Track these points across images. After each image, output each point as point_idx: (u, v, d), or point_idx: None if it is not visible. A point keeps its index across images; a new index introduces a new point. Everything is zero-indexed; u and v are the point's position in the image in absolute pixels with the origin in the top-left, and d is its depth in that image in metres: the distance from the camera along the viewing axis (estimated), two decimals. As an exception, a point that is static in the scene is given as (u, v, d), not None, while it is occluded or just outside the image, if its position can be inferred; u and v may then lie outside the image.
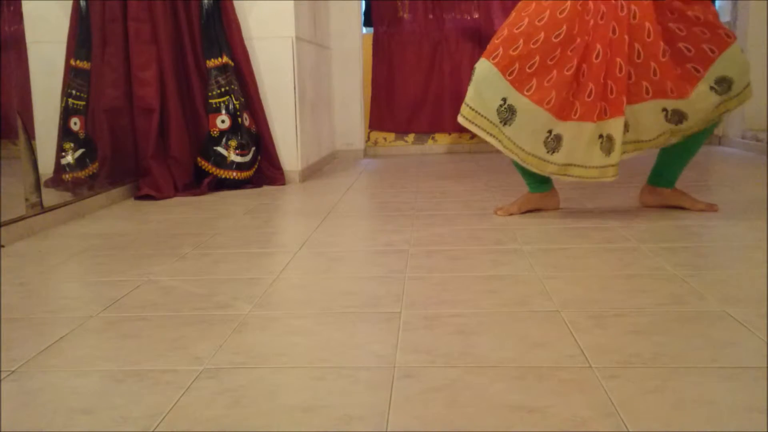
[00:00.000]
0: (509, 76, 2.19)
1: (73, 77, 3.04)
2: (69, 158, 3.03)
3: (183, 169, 3.12)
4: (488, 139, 2.26)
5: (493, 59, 2.22)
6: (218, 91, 3.14)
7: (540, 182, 2.41)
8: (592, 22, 2.14)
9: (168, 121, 3.09)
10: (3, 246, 2.09)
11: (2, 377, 1.13)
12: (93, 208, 2.70)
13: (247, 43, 3.26)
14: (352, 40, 4.50)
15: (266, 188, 3.23)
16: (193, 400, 1.03)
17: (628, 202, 2.53)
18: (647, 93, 2.14)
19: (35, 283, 1.71)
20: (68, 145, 3.03)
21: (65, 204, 2.52)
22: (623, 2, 2.12)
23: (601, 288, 1.53)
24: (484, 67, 2.24)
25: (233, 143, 3.15)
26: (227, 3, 3.19)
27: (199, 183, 3.14)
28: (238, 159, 3.17)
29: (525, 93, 2.18)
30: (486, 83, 2.22)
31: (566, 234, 2.08)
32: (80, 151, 3.04)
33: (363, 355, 1.19)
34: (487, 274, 1.66)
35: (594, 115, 2.13)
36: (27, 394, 1.07)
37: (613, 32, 2.12)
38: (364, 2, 4.65)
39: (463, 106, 2.28)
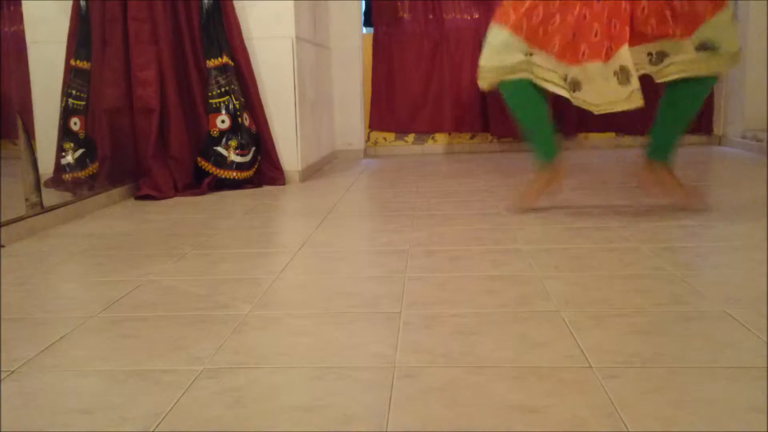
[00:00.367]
0: (528, 40, 2.23)
1: (73, 77, 3.04)
2: (69, 158, 3.03)
3: (183, 169, 3.12)
4: (511, 76, 2.28)
5: (507, 24, 2.25)
6: (218, 91, 3.14)
7: (551, 146, 2.39)
8: None
9: (168, 121, 3.09)
10: (3, 246, 2.09)
11: (2, 377, 1.13)
12: (93, 208, 2.70)
13: (247, 43, 3.26)
14: (352, 40, 4.50)
15: (266, 188, 3.23)
16: (193, 400, 1.03)
17: (628, 202, 2.53)
18: (664, 31, 2.13)
19: (35, 283, 1.71)
20: (68, 145, 3.03)
21: (65, 204, 2.52)
22: None
23: (601, 288, 1.53)
24: (496, 31, 2.28)
25: (233, 143, 3.15)
26: (227, 3, 3.19)
27: (199, 183, 3.14)
28: (238, 159, 3.17)
29: (550, 51, 2.22)
30: (499, 43, 2.27)
31: (566, 234, 2.08)
32: (80, 151, 3.04)
33: (363, 355, 1.19)
34: (487, 274, 1.66)
35: (602, 54, 2.12)
36: (27, 394, 1.07)
37: None
38: (364, 2, 4.65)
39: (480, 69, 2.33)
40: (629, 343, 1.19)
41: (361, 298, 1.51)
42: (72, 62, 3.04)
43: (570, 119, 4.41)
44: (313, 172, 3.69)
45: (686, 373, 1.07)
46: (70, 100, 3.03)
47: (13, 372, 1.15)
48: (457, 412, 0.97)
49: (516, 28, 2.23)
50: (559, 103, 2.69)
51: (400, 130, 4.78)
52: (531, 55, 2.24)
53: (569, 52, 2.17)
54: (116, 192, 2.93)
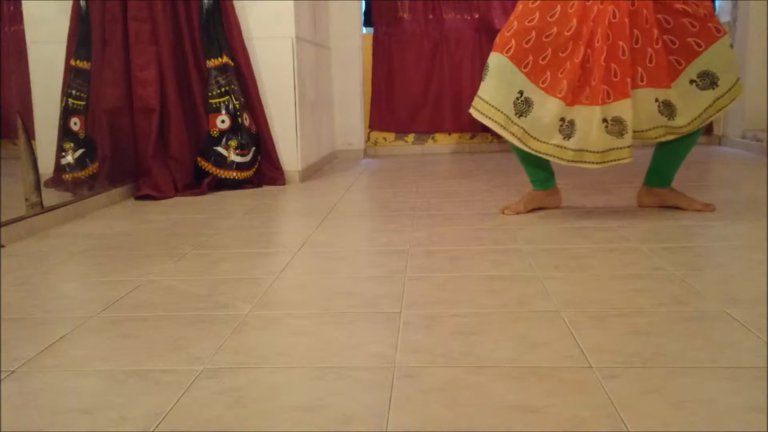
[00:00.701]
0: (524, 68, 2.21)
1: (73, 77, 3.04)
2: (69, 158, 3.03)
3: (183, 169, 3.12)
4: (502, 132, 2.26)
5: (506, 52, 2.23)
6: (218, 91, 3.14)
7: (543, 180, 2.42)
8: (594, 8, 2.15)
9: (168, 121, 3.09)
10: (3, 246, 2.09)
11: (2, 377, 1.13)
12: (93, 208, 2.70)
13: (247, 43, 3.26)
14: (352, 40, 4.50)
15: (266, 188, 3.23)
16: (193, 400, 1.03)
17: (628, 202, 2.53)
18: (642, 80, 2.16)
19: (35, 283, 1.71)
20: (68, 145, 3.03)
21: (65, 204, 2.52)
22: None
23: (601, 288, 1.53)
24: (498, 60, 2.24)
25: (233, 143, 3.15)
26: (227, 3, 3.19)
27: (199, 183, 3.14)
28: (238, 159, 3.17)
29: (540, 86, 2.20)
30: (501, 76, 2.23)
31: (566, 234, 2.08)
32: (80, 151, 3.04)
33: (363, 355, 1.19)
34: (487, 274, 1.66)
35: (599, 99, 2.14)
36: (27, 394, 1.07)
37: (613, 16, 2.13)
38: (364, 2, 4.65)
39: (476, 99, 2.28)
40: (629, 343, 1.19)
41: (361, 298, 1.51)
42: (72, 62, 3.04)
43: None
44: (313, 172, 3.69)
45: (686, 373, 1.07)
46: (70, 100, 3.03)
47: (13, 372, 1.15)
48: (457, 412, 0.97)
49: (518, 60, 2.21)
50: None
51: (400, 130, 4.78)
52: (522, 93, 2.22)
53: (575, 97, 2.17)
54: (116, 192, 2.93)
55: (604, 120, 2.16)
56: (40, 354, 1.23)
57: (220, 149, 3.15)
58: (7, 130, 2.70)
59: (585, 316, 1.34)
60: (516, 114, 2.22)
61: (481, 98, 2.27)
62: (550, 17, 2.19)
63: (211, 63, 3.15)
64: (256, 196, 3.02)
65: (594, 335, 1.24)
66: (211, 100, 3.14)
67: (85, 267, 1.88)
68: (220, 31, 3.17)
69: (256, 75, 3.28)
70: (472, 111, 2.30)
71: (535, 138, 2.23)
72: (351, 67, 4.51)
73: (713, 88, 2.19)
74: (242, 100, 3.20)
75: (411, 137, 4.81)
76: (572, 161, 2.22)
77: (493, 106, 2.25)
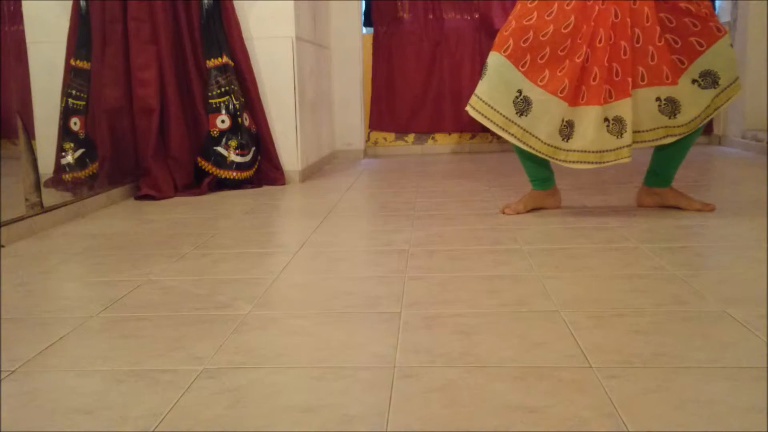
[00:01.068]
0: (522, 67, 2.21)
1: (73, 77, 3.04)
2: (69, 158, 3.03)
3: (183, 169, 3.12)
4: (500, 133, 2.26)
5: (504, 51, 2.23)
6: (218, 91, 3.14)
7: (543, 180, 2.43)
8: (596, 8, 2.16)
9: (168, 121, 3.09)
10: (3, 246, 2.09)
11: (2, 377, 1.13)
12: (93, 208, 2.70)
13: (247, 43, 3.26)
14: (352, 40, 4.50)
15: (266, 188, 3.23)
16: (193, 400, 1.03)
17: (628, 202, 2.53)
18: (642, 79, 2.16)
19: (35, 283, 1.71)
20: (68, 145, 3.03)
21: (65, 204, 2.52)
22: None
23: (601, 288, 1.53)
24: (496, 59, 2.25)
25: (233, 143, 3.15)
26: (227, 3, 3.19)
27: (199, 183, 3.14)
28: (238, 159, 3.17)
29: (539, 83, 2.20)
30: (500, 76, 2.23)
31: (566, 234, 2.08)
32: (80, 151, 3.04)
33: (363, 355, 1.19)
34: (487, 274, 1.66)
35: (600, 99, 2.14)
36: (27, 394, 1.07)
37: (615, 16, 2.14)
38: (364, 2, 4.65)
39: (474, 98, 2.28)
40: (629, 343, 1.19)
41: (361, 298, 1.51)
42: (72, 62, 3.04)
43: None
44: (313, 172, 3.69)
45: (686, 373, 1.07)
46: (70, 100, 3.03)
47: (13, 372, 1.15)
48: (457, 412, 0.97)
49: (516, 59, 2.21)
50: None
51: (400, 130, 4.78)
52: (520, 92, 2.22)
53: (572, 94, 2.17)
54: (116, 192, 2.93)
55: (606, 119, 2.16)
56: (40, 354, 1.23)
57: (220, 149, 3.15)
58: (7, 130, 2.70)
59: (585, 316, 1.34)
60: (516, 113, 2.23)
61: (479, 98, 2.27)
62: (548, 15, 2.19)
63: (211, 63, 3.15)
64: (256, 196, 3.02)
65: (594, 335, 1.24)
66: (211, 100, 3.14)
67: (85, 267, 1.88)
68: (220, 31, 3.17)
69: (256, 75, 3.28)
70: (469, 110, 2.30)
71: (536, 137, 2.24)
72: (351, 67, 4.51)
73: (714, 87, 2.19)
74: (242, 100, 3.20)
75: (411, 137, 4.81)
76: (572, 162, 2.23)
77: (491, 107, 2.25)
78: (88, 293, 1.62)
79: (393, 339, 1.25)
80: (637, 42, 2.15)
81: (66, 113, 3.03)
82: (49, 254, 2.01)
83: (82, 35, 3.05)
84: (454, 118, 4.69)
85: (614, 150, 2.18)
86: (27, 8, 2.97)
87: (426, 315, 1.38)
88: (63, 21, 3.07)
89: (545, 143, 2.23)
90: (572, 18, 2.17)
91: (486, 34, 4.54)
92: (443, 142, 4.80)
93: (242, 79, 3.23)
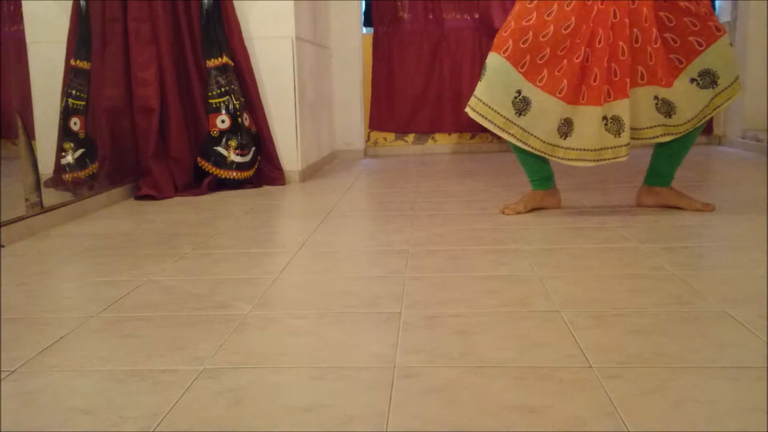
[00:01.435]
0: (521, 68, 2.21)
1: (73, 77, 3.04)
2: (69, 158, 3.03)
3: (183, 169, 3.12)
4: (500, 133, 2.27)
5: (504, 53, 2.23)
6: (218, 91, 3.14)
7: (543, 180, 2.43)
8: (594, 8, 2.16)
9: (168, 121, 3.09)
10: (3, 246, 2.09)
11: (2, 377, 1.13)
12: (93, 208, 2.70)
13: (247, 43, 3.26)
14: (352, 40, 4.50)
15: (266, 188, 3.23)
16: (193, 400, 1.03)
17: (628, 202, 2.53)
18: (642, 78, 2.17)
19: (35, 283, 1.71)
20: (68, 145, 3.03)
21: (65, 204, 2.52)
22: None
23: (601, 288, 1.53)
24: (495, 60, 2.25)
25: (233, 143, 3.15)
26: (227, 3, 3.19)
27: (199, 183, 3.14)
28: (238, 159, 3.17)
29: (537, 84, 2.21)
30: (498, 77, 2.23)
31: (566, 234, 2.08)
32: (80, 151, 3.04)
33: (363, 355, 1.19)
34: (487, 274, 1.66)
35: (601, 99, 2.14)
36: (27, 394, 1.07)
37: (614, 16, 2.14)
38: (364, 2, 4.65)
39: (473, 99, 2.28)
40: (629, 343, 1.19)
41: (361, 298, 1.51)
42: (72, 62, 3.04)
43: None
44: (313, 172, 3.69)
45: (686, 373, 1.07)
46: (70, 100, 3.03)
47: (13, 372, 1.15)
48: (457, 412, 0.97)
49: (515, 60, 2.21)
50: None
51: (400, 130, 4.78)
52: (519, 93, 2.22)
53: (571, 94, 2.18)
54: (116, 192, 2.93)
55: (604, 118, 2.17)
56: (40, 354, 1.23)
57: (220, 149, 3.15)
58: (7, 130, 2.70)
59: (585, 316, 1.34)
60: (516, 113, 2.23)
61: (478, 99, 2.27)
62: (547, 16, 2.19)
63: (211, 63, 3.15)
64: (256, 196, 3.02)
65: (594, 335, 1.24)
66: (211, 100, 3.14)
67: (85, 267, 1.88)
68: (220, 31, 3.17)
69: (256, 75, 3.28)
70: (468, 111, 2.30)
71: (535, 136, 2.24)
72: (351, 67, 4.51)
73: (713, 87, 2.19)
74: (242, 100, 3.20)
75: (411, 137, 4.81)
76: (570, 159, 2.23)
77: (491, 108, 2.25)
78: (88, 293, 1.62)
79: (393, 339, 1.25)
80: (636, 42, 2.15)
81: (66, 113, 3.03)
82: (49, 254, 2.01)
83: (82, 35, 3.05)
84: (454, 118, 4.69)
85: (612, 148, 2.19)
86: (27, 8, 2.97)
87: (426, 315, 1.38)
88: (63, 21, 3.07)
89: (544, 142, 2.24)
90: (572, 19, 2.17)
91: (486, 34, 4.54)
92: (443, 142, 4.80)
93: (242, 79, 3.23)
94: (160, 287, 1.63)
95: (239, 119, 3.16)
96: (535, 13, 2.21)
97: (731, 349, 1.16)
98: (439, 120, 4.73)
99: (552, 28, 2.19)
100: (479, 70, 4.61)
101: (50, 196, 2.60)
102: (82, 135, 3.04)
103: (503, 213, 2.40)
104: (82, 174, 3.04)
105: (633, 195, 2.58)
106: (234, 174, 3.17)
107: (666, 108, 2.18)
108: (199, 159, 3.18)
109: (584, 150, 2.21)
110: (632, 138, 2.21)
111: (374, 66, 4.68)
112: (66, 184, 3.00)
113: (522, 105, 2.22)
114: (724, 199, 2.55)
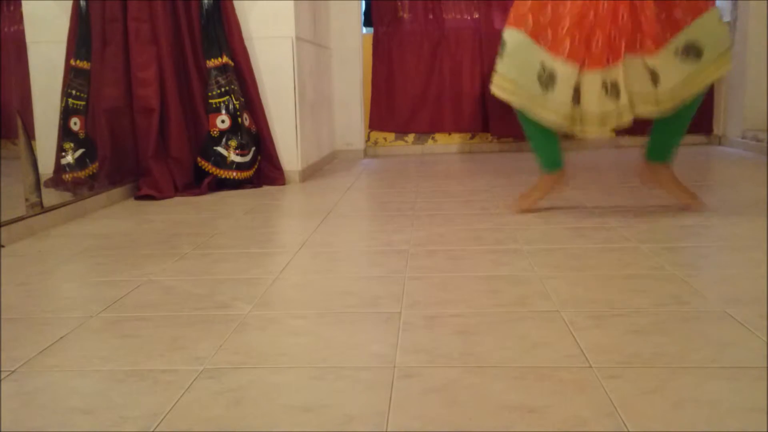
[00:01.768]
0: (544, 43, 2.20)
1: (73, 77, 3.04)
2: (69, 158, 3.03)
3: (183, 169, 3.12)
4: (531, 107, 2.24)
5: (524, 28, 2.22)
6: (218, 91, 3.14)
7: (556, 162, 2.42)
8: None
9: (168, 121, 3.09)
10: (3, 246, 2.09)
11: (2, 377, 1.13)
12: (93, 208, 2.70)
13: (247, 43, 3.26)
14: (352, 40, 4.50)
15: (266, 188, 3.23)
16: (193, 400, 1.03)
17: (628, 202, 2.53)
18: (637, 45, 2.14)
19: (35, 283, 1.71)
20: (68, 145, 3.03)
21: (65, 204, 2.52)
22: None
23: (601, 288, 1.53)
24: (516, 37, 2.23)
25: (233, 143, 3.15)
26: (227, 3, 3.19)
27: (199, 183, 3.14)
28: (238, 159, 3.17)
29: (561, 56, 2.18)
30: (520, 54, 2.22)
31: (566, 234, 2.08)
32: (80, 151, 3.04)
33: (363, 355, 1.19)
34: (487, 274, 1.66)
35: (603, 62, 2.14)
36: (27, 394, 1.07)
37: None
38: (364, 2, 4.65)
39: (498, 77, 2.27)
40: (629, 343, 1.19)
41: (361, 298, 1.51)
42: (72, 62, 3.04)
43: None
44: (313, 172, 3.69)
45: (686, 373, 1.07)
46: (70, 100, 3.03)
47: (13, 372, 1.15)
48: (457, 412, 0.97)
49: (536, 36, 2.20)
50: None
51: (400, 130, 4.78)
52: (544, 70, 2.21)
53: (577, 55, 2.17)
54: (116, 192, 2.93)
55: (604, 83, 2.15)
56: (40, 354, 1.23)
57: (220, 149, 3.15)
58: (7, 130, 2.70)
59: (585, 316, 1.34)
60: (542, 88, 2.21)
61: (504, 76, 2.26)
62: None
63: (211, 63, 3.15)
64: (256, 196, 3.02)
65: (594, 335, 1.24)
66: (211, 100, 3.14)
67: (85, 267, 1.88)
68: (220, 31, 3.17)
69: (256, 75, 3.28)
70: (495, 90, 2.28)
71: (562, 106, 2.22)
72: (351, 67, 4.51)
73: (697, 61, 2.17)
74: (242, 100, 3.20)
75: (411, 137, 4.81)
76: (584, 131, 2.22)
77: (518, 85, 2.23)
78: (88, 293, 1.62)
79: (393, 339, 1.25)
80: (634, 10, 2.13)
81: (66, 113, 3.03)
82: (49, 254, 2.01)
83: (82, 35, 3.05)
84: (454, 118, 4.69)
85: (615, 113, 2.17)
86: (27, 8, 2.97)
87: (426, 315, 1.38)
88: (63, 21, 3.07)
89: (566, 115, 2.23)
90: None
91: (486, 34, 4.54)
92: (443, 142, 4.80)
93: (242, 79, 3.23)
94: (160, 287, 1.63)
95: (239, 119, 3.16)
96: None
97: (731, 349, 1.16)
98: (439, 120, 4.73)
99: None
100: (479, 70, 4.62)
101: (50, 196, 2.60)
102: (82, 135, 3.04)
103: (521, 211, 2.39)
104: (82, 174, 3.04)
105: (633, 195, 2.58)
106: (234, 174, 3.17)
107: (653, 76, 2.17)
108: (199, 159, 3.18)
109: (590, 120, 2.19)
110: (631, 92, 2.19)
111: (374, 66, 4.68)
112: (66, 184, 3.00)
113: (548, 80, 2.21)
114: (724, 199, 2.55)
